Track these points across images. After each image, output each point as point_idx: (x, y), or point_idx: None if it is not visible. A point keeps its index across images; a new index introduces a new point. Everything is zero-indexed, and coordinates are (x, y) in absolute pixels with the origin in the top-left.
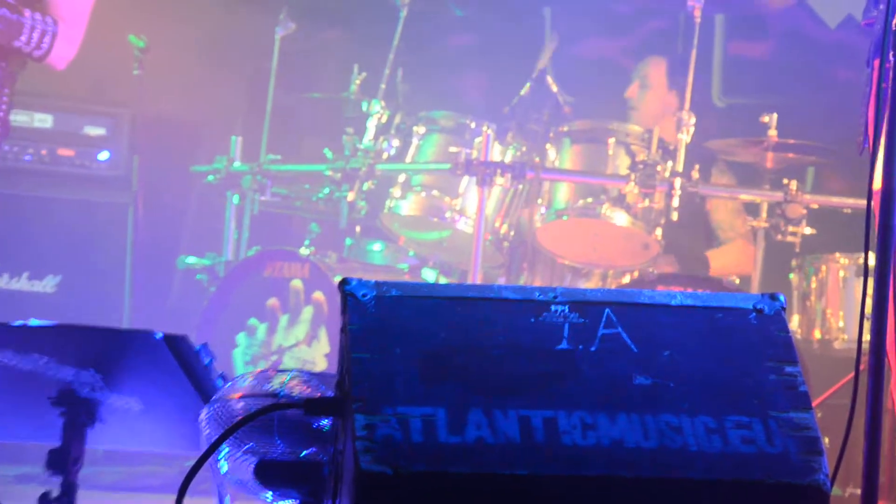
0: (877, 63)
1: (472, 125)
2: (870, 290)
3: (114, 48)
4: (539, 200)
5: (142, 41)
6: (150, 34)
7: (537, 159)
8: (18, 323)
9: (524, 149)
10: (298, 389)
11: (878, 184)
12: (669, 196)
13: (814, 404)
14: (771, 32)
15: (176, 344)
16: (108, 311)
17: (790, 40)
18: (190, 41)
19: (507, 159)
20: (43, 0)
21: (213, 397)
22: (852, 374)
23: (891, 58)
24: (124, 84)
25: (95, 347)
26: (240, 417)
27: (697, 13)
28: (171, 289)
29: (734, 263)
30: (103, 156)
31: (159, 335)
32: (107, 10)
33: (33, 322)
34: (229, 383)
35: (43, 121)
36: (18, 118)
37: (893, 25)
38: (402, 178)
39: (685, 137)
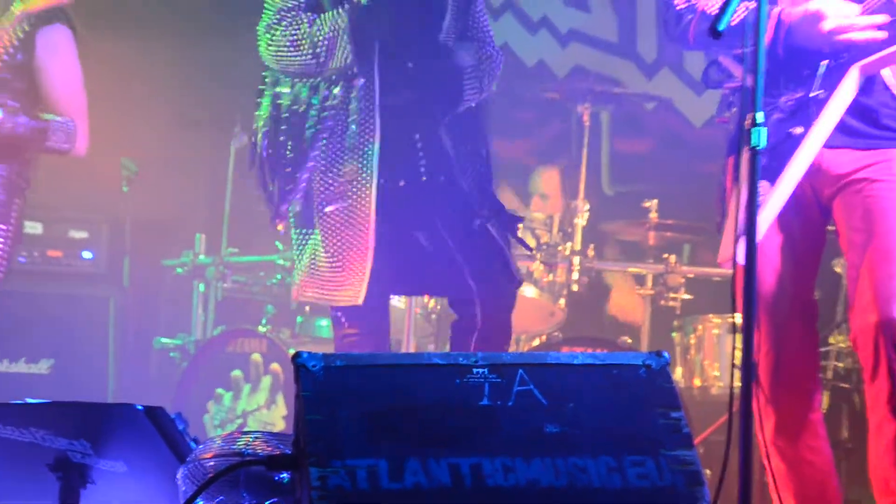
0: (730, 160)
1: None
2: (738, 345)
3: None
4: None
5: (134, 165)
6: (119, 151)
7: None
8: (18, 402)
9: None
10: (261, 448)
11: (722, 256)
12: (570, 271)
13: (696, 442)
14: (648, 132)
15: (154, 414)
16: (95, 388)
17: (664, 138)
18: (159, 156)
19: None
20: (48, 102)
21: (188, 458)
22: (727, 416)
23: (745, 152)
24: (110, 196)
25: (85, 420)
26: (211, 475)
27: (586, 117)
28: (149, 366)
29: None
30: (87, 255)
31: (140, 407)
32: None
33: (30, 400)
34: (201, 445)
35: (34, 227)
36: None
37: (746, 125)
38: None
39: (581, 221)
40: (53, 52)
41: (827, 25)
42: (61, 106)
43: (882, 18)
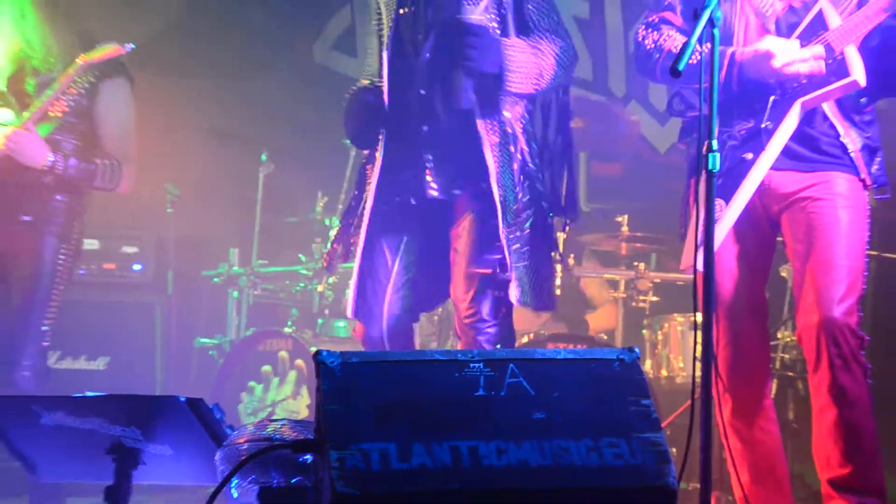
0: (692, 181)
1: None
2: (699, 340)
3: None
4: None
5: (176, 189)
6: (164, 177)
7: None
8: (79, 395)
9: None
10: (287, 434)
11: (684, 263)
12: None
13: (663, 426)
14: (620, 157)
15: (195, 404)
16: (144, 382)
17: (634, 162)
18: (198, 181)
19: None
20: (102, 146)
21: (224, 442)
22: (690, 402)
23: (703, 174)
24: (156, 216)
25: (136, 410)
26: (244, 457)
27: None
28: (191, 363)
29: (605, 321)
30: (137, 267)
31: (183, 399)
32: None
33: (89, 394)
34: (236, 431)
35: (91, 244)
36: None
37: (704, 150)
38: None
39: (563, 234)
40: (112, 105)
41: (776, 62)
42: (113, 151)
43: (819, 49)
